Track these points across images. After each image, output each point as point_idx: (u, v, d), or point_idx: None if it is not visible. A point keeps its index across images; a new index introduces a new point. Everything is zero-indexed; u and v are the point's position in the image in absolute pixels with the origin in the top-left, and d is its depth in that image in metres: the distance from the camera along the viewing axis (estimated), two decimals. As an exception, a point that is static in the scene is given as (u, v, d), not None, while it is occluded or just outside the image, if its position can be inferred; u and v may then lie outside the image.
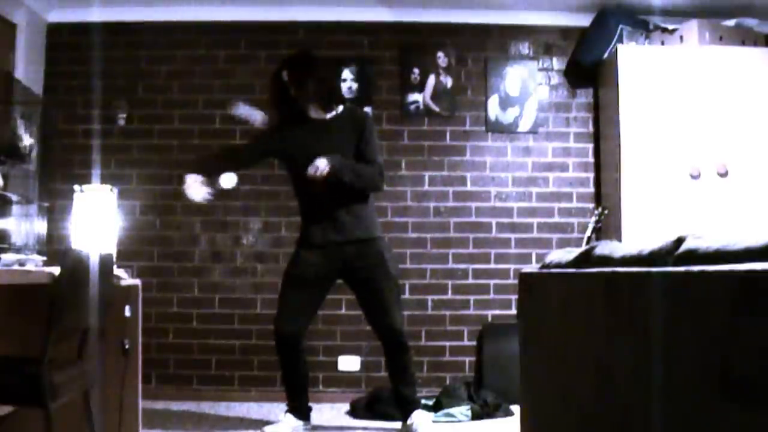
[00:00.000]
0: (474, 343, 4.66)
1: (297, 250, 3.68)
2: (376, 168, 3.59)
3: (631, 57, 4.38)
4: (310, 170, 3.42)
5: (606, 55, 4.56)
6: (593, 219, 4.13)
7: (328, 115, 3.64)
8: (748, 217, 4.24)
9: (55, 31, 4.77)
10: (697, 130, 4.32)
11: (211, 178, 3.65)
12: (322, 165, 3.41)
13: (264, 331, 4.61)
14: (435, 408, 4.04)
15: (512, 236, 4.74)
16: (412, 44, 4.80)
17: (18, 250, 3.73)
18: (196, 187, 3.59)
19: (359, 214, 3.60)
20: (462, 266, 4.71)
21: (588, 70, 4.75)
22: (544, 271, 2.58)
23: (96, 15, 4.64)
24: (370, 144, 3.62)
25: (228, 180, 3.66)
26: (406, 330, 3.69)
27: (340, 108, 3.68)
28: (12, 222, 4.16)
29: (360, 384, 4.58)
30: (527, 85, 4.82)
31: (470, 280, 4.70)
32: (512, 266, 4.68)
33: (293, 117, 3.66)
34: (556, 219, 4.76)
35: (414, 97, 4.77)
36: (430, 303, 4.68)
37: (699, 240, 1.65)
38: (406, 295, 4.60)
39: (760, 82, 4.33)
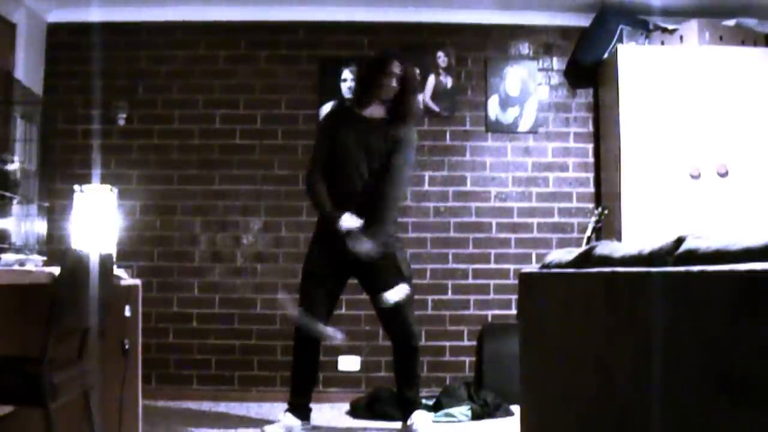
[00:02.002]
0: (474, 343, 4.66)
1: (312, 245, 3.69)
2: (394, 203, 3.63)
3: (631, 57, 4.38)
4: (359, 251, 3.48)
5: (606, 55, 4.56)
6: (593, 219, 4.13)
7: (377, 115, 3.67)
8: (748, 217, 4.24)
9: (55, 31, 4.77)
10: (697, 130, 4.32)
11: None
12: (365, 248, 3.47)
13: (264, 331, 4.61)
14: (435, 408, 4.04)
15: (512, 236, 4.74)
16: (412, 44, 4.80)
17: (18, 250, 3.73)
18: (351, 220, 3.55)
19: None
20: (462, 266, 4.71)
21: (588, 70, 4.75)
22: (544, 271, 2.58)
23: (96, 15, 4.63)
24: (403, 162, 3.63)
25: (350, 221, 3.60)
26: (418, 331, 3.70)
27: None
28: (12, 222, 4.16)
29: (360, 384, 4.58)
30: (527, 85, 4.81)
31: (470, 280, 4.70)
32: (512, 266, 4.67)
33: (348, 107, 3.75)
34: (556, 219, 4.76)
35: (414, 97, 4.77)
36: (430, 303, 4.68)
37: (699, 240, 1.65)
38: (406, 295, 4.59)
39: (760, 82, 4.33)
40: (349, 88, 4.71)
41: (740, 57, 4.36)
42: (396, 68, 3.61)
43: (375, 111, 3.67)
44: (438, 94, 4.78)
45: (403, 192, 3.71)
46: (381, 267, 3.57)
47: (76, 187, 3.36)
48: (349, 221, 3.52)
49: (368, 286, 3.67)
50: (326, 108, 4.09)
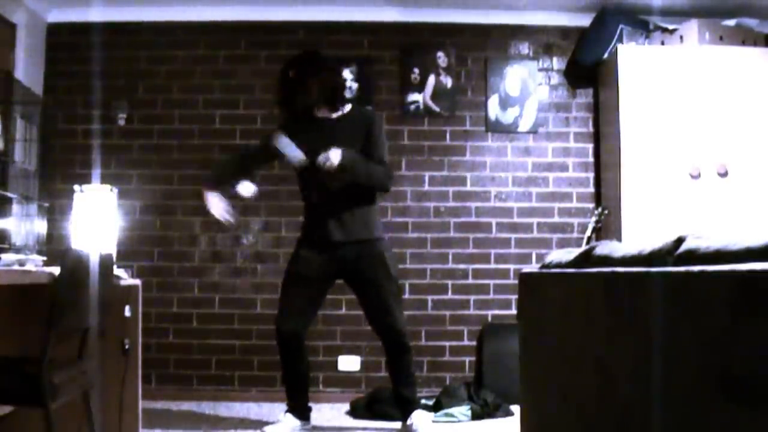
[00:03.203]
0: (474, 343, 4.66)
1: (297, 248, 3.67)
2: (386, 169, 3.60)
3: (631, 57, 4.38)
4: (321, 159, 3.40)
5: (606, 55, 4.56)
6: (593, 219, 4.13)
7: (335, 115, 3.64)
8: (748, 217, 4.24)
9: (55, 31, 4.77)
10: (697, 130, 4.32)
11: (226, 188, 3.68)
12: (334, 156, 3.39)
13: (264, 331, 4.61)
14: (435, 408, 4.04)
15: (512, 236, 4.74)
16: (412, 44, 4.80)
17: (18, 250, 3.73)
18: (216, 204, 3.62)
19: (362, 215, 3.60)
20: (462, 266, 4.71)
21: (588, 70, 4.75)
22: (544, 271, 2.58)
23: (96, 15, 4.63)
24: (378, 143, 3.60)
25: (246, 188, 3.63)
26: (407, 330, 3.69)
27: (347, 107, 3.68)
28: (12, 222, 4.16)
29: (360, 384, 4.58)
30: (527, 85, 4.81)
31: (470, 280, 4.70)
32: (512, 266, 4.67)
33: (300, 116, 3.66)
34: (556, 219, 4.76)
35: (414, 97, 4.77)
36: (430, 303, 4.68)
37: (699, 240, 1.65)
38: (406, 295, 4.60)
39: (760, 82, 4.33)
40: (349, 88, 4.70)
41: (740, 57, 4.36)
42: (291, 75, 3.59)
43: (323, 111, 3.65)
44: (438, 94, 4.78)
45: (389, 172, 3.62)
46: (368, 266, 3.57)
47: (76, 187, 3.36)
48: (216, 200, 3.63)
49: (357, 287, 3.66)
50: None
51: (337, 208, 3.56)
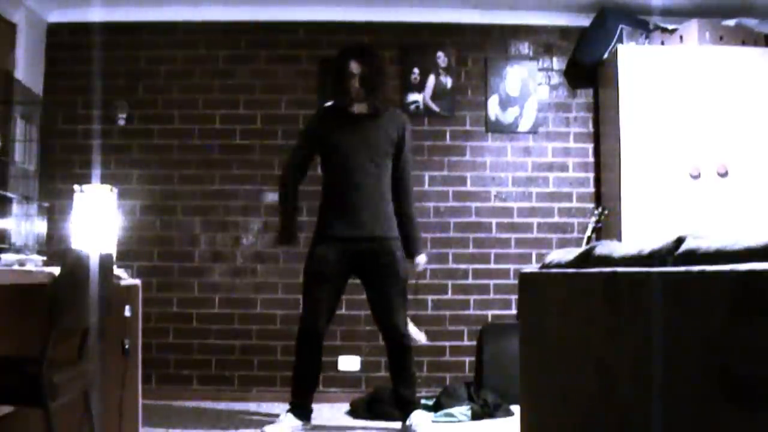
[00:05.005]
0: (474, 343, 4.66)
1: (313, 248, 3.68)
2: (413, 198, 3.82)
3: (631, 57, 4.38)
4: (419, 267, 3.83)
5: (606, 55, 4.56)
6: (593, 219, 4.14)
7: (369, 111, 3.68)
8: (748, 217, 4.24)
9: (55, 31, 4.77)
10: (697, 130, 4.32)
11: (296, 206, 3.80)
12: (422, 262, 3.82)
13: (264, 331, 4.62)
14: (435, 408, 4.04)
15: (512, 236, 4.74)
16: (412, 44, 4.80)
17: (18, 250, 3.73)
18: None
19: (380, 213, 3.63)
20: (462, 266, 4.71)
21: (588, 70, 4.75)
22: (544, 271, 2.58)
23: (96, 15, 4.63)
24: (408, 156, 3.77)
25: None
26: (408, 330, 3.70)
27: (382, 106, 3.74)
28: (12, 222, 4.16)
29: (360, 384, 4.58)
30: (527, 85, 4.81)
31: (470, 280, 4.70)
32: (512, 266, 4.67)
33: (335, 107, 3.73)
34: (556, 219, 4.76)
35: (414, 97, 4.77)
36: (430, 303, 4.68)
37: (699, 240, 1.65)
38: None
39: (760, 82, 4.33)
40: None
41: (740, 57, 4.36)
42: (354, 68, 3.61)
43: (359, 107, 3.68)
44: (438, 94, 4.78)
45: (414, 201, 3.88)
46: (383, 264, 3.60)
47: (76, 187, 3.35)
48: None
49: (367, 283, 3.68)
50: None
51: (358, 205, 3.59)
